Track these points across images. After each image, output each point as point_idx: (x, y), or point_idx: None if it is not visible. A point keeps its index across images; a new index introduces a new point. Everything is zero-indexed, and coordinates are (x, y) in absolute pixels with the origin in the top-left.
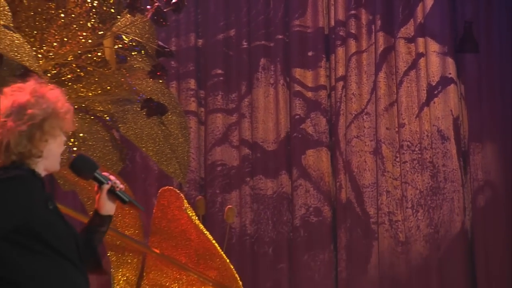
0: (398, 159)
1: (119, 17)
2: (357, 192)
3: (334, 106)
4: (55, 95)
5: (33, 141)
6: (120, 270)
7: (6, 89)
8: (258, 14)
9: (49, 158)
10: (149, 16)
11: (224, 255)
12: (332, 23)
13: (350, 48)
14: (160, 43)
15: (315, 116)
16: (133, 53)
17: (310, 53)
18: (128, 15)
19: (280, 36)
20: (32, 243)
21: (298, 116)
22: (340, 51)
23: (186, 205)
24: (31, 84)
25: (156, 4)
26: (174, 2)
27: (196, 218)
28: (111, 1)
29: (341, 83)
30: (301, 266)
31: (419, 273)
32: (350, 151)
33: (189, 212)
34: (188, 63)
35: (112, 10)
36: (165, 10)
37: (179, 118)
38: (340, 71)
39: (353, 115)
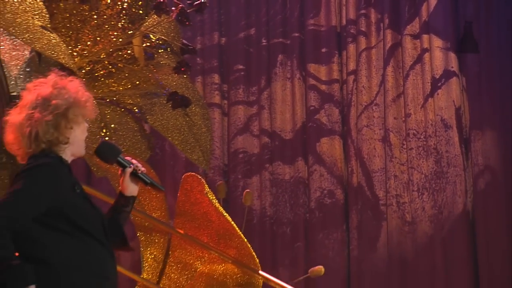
0: (405, 146)
1: (146, 17)
2: (367, 176)
3: (346, 98)
4: (75, 86)
5: (59, 129)
6: (149, 248)
7: (29, 85)
8: (276, 14)
9: (75, 144)
10: (173, 16)
11: (242, 235)
12: (344, 21)
13: (360, 45)
14: (184, 41)
15: (329, 107)
16: (159, 51)
17: (323, 50)
18: (155, 16)
19: (296, 34)
20: (61, 224)
21: (313, 107)
22: (351, 47)
23: (207, 189)
24: (52, 78)
25: (180, 5)
26: (196, 3)
27: (216, 201)
28: (139, 3)
29: (352, 77)
30: (316, 244)
31: (424, 251)
32: (361, 139)
33: (209, 196)
34: (212, 59)
35: (141, 12)
36: (188, 11)
37: (202, 110)
38: (351, 66)
39: (363, 106)
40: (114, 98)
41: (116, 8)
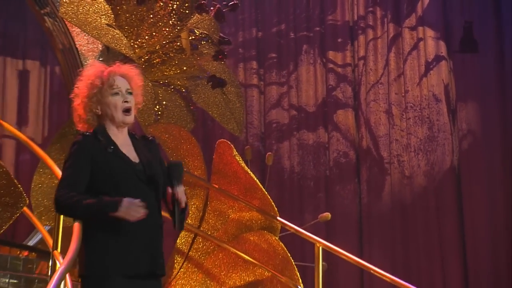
0: (404, 116)
1: (192, 16)
2: (374, 140)
3: (357, 78)
4: (89, 75)
5: (90, 108)
6: (192, 200)
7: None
8: (301, 12)
9: (109, 115)
10: (212, 15)
11: (263, 189)
12: (355, 17)
13: (368, 36)
14: (221, 34)
15: (343, 86)
16: (202, 43)
17: (339, 40)
18: (198, 15)
19: (317, 28)
20: (96, 184)
21: (331, 86)
22: (361, 38)
23: (235, 152)
24: (84, 71)
25: (217, 6)
26: (230, 4)
27: (243, 161)
28: (186, 5)
29: (362, 61)
30: (334, 195)
31: (420, 199)
32: (369, 111)
33: (237, 158)
34: (251, 49)
35: (187, 11)
36: (224, 10)
37: (236, 89)
38: (361, 53)
39: (371, 84)
40: (166, 81)
41: (168, 9)
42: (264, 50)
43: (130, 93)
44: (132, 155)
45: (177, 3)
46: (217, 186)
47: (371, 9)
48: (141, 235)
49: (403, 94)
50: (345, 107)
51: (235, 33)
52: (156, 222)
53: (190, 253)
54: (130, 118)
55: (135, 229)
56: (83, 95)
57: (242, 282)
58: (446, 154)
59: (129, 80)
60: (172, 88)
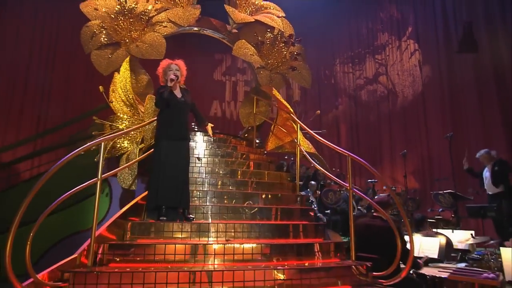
0: (403, 74)
1: (289, 46)
2: (393, 85)
3: (386, 63)
4: (163, 65)
5: (163, 77)
6: (279, 113)
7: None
8: (364, 42)
9: (168, 80)
10: (290, 44)
11: (291, 109)
12: (384, 41)
13: (389, 47)
14: (296, 51)
15: (381, 67)
16: (296, 58)
17: (379, 50)
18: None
19: (371, 47)
20: (161, 106)
21: (377, 67)
22: (387, 48)
23: (276, 91)
24: (160, 63)
25: (292, 40)
26: (298, 39)
27: (281, 96)
28: (286, 44)
29: (387, 57)
30: (382, 107)
31: (411, 104)
32: (391, 74)
33: (275, 93)
34: (348, 59)
35: (287, 45)
36: (295, 43)
37: (306, 71)
38: (387, 54)
39: (391, 65)
40: (278, 71)
41: (280, 46)
42: (353, 59)
43: (178, 70)
44: (179, 95)
45: (283, 44)
46: (277, 105)
47: (391, 37)
48: (176, 125)
49: (403, 66)
50: (382, 75)
51: (344, 53)
52: (184, 120)
53: (273, 129)
54: (172, 82)
55: (175, 122)
56: (160, 72)
57: (289, 140)
58: (418, 86)
59: (178, 66)
60: (280, 73)
